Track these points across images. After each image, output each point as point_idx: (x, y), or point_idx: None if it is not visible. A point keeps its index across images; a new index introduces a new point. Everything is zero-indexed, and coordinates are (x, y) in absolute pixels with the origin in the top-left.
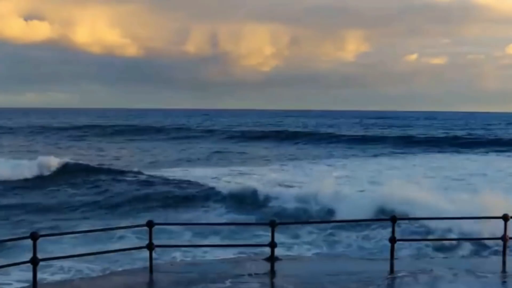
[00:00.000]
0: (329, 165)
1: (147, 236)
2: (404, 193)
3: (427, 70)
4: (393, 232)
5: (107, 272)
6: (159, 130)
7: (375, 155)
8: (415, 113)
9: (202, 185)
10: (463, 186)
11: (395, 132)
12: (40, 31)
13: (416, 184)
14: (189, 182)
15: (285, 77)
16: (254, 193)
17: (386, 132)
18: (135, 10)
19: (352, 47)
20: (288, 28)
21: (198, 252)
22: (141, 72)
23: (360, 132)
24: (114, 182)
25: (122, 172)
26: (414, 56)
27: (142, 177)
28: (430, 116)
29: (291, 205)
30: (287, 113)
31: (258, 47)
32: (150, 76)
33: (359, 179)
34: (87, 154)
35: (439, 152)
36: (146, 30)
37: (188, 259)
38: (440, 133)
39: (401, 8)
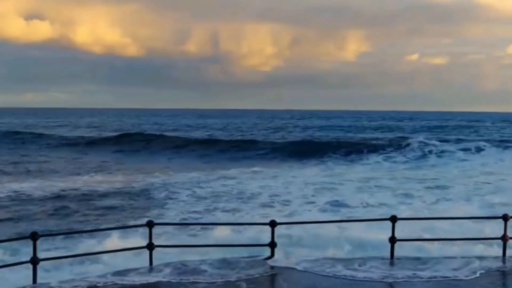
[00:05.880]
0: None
1: None
2: None
3: (428, 70)
4: (393, 232)
5: (108, 272)
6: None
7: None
8: (407, 113)
9: None
10: None
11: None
12: (41, 31)
13: None
14: None
15: (285, 77)
16: None
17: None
18: (135, 10)
19: (352, 47)
20: (289, 28)
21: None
22: (141, 72)
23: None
24: None
25: None
26: (415, 56)
27: None
28: (408, 117)
29: None
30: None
31: (259, 47)
32: (150, 76)
33: None
34: None
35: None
36: (146, 30)
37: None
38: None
39: (402, 8)
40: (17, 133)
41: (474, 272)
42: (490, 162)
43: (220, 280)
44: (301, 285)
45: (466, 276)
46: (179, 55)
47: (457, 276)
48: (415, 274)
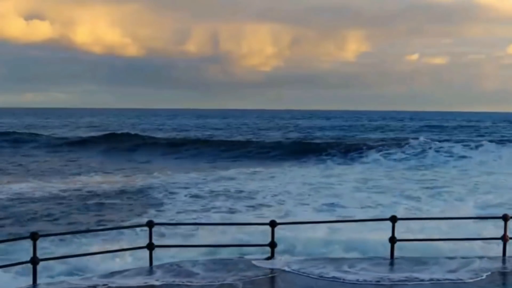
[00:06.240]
0: None
1: None
2: None
3: (428, 70)
4: (393, 232)
5: (108, 272)
6: None
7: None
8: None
9: None
10: None
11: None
12: (41, 31)
13: None
14: None
15: (285, 77)
16: None
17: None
18: (135, 10)
19: (352, 47)
20: (289, 28)
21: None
22: (141, 72)
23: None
24: None
25: None
26: (415, 56)
27: None
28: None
29: None
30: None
31: (259, 47)
32: (150, 76)
33: None
34: None
35: None
36: (146, 29)
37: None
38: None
39: (402, 8)
40: (14, 133)
41: (476, 274)
42: (489, 161)
43: (217, 282)
44: (299, 287)
45: (471, 278)
46: (179, 55)
47: (461, 279)
48: (415, 276)
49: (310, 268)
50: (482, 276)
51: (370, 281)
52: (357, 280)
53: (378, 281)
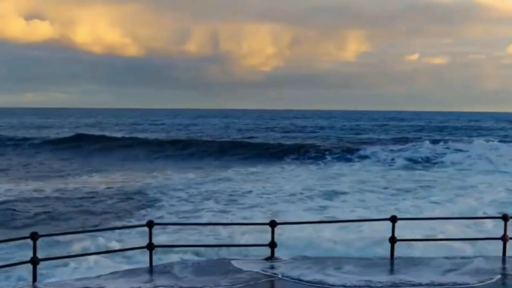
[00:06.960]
0: None
1: None
2: None
3: (428, 70)
4: (393, 232)
5: (108, 272)
6: None
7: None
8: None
9: None
10: None
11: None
12: (41, 31)
13: None
14: None
15: (285, 77)
16: None
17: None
18: (135, 10)
19: (352, 47)
20: (289, 28)
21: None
22: (141, 72)
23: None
24: None
25: None
26: (415, 56)
27: None
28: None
29: None
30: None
31: (259, 47)
32: (150, 76)
33: None
34: None
35: None
36: (147, 29)
37: (188, 259)
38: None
39: (402, 8)
40: (12, 136)
41: (476, 275)
42: (488, 159)
43: (212, 286)
44: None
45: (481, 282)
46: (179, 55)
47: (467, 283)
48: (413, 279)
49: (308, 271)
50: (492, 279)
51: (359, 286)
52: (344, 284)
53: (369, 285)
